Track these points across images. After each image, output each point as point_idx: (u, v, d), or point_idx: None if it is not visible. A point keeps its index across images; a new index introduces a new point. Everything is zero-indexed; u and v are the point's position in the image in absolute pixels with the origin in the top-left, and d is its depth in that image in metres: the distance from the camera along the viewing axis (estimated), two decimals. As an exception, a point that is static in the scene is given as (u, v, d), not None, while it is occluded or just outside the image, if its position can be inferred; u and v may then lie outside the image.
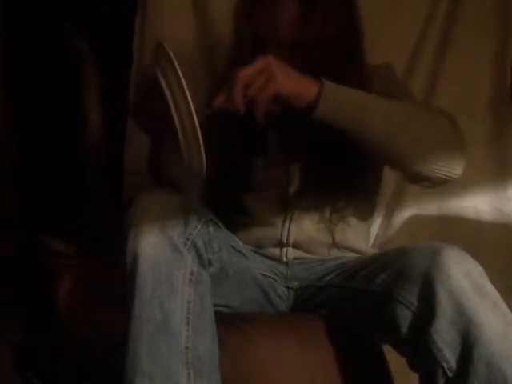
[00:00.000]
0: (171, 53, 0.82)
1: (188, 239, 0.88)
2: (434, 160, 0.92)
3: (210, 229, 0.93)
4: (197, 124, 0.82)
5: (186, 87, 0.81)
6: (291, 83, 0.88)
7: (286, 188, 1.10)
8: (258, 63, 0.87)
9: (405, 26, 1.48)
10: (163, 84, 0.83)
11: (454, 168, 0.94)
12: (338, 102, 0.89)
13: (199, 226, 0.90)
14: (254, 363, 0.97)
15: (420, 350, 0.83)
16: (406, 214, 1.50)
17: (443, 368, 0.81)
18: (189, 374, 0.83)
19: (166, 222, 0.87)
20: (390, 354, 1.01)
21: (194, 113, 0.81)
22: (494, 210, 1.45)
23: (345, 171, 1.07)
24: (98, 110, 1.46)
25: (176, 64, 0.82)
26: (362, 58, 1.13)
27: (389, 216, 1.50)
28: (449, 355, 0.80)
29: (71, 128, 1.49)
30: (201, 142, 0.82)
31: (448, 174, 0.94)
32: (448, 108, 1.42)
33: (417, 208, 1.49)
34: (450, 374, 0.80)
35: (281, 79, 0.87)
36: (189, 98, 0.81)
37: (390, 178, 1.35)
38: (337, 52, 1.06)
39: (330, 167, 1.06)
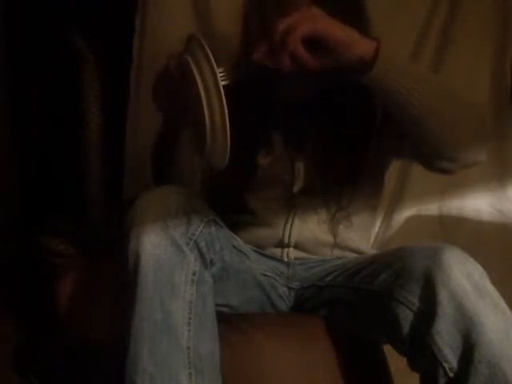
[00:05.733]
0: (205, 44, 0.82)
1: (190, 239, 0.88)
2: (469, 140, 0.89)
3: (212, 229, 0.92)
4: (227, 118, 0.81)
5: (217, 72, 0.81)
6: (338, 30, 0.83)
7: (291, 186, 1.09)
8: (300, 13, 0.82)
9: (405, 26, 1.48)
10: (195, 71, 0.82)
11: (482, 152, 0.92)
12: (396, 62, 0.85)
13: (201, 226, 0.90)
14: (254, 363, 0.97)
15: (421, 351, 0.83)
16: (405, 213, 1.50)
17: (444, 368, 0.81)
18: (190, 373, 0.83)
19: (168, 222, 0.87)
20: (390, 354, 1.01)
21: (224, 102, 0.80)
22: (493, 210, 1.45)
23: (350, 168, 1.06)
24: (97, 109, 1.46)
25: (210, 55, 0.81)
26: None
27: (389, 216, 1.51)
28: (450, 355, 0.80)
29: (71, 128, 1.49)
30: (228, 132, 0.82)
31: (474, 158, 0.92)
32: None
33: (417, 208, 1.50)
34: (450, 375, 0.80)
35: (324, 22, 0.82)
36: (220, 83, 0.80)
37: (390, 177, 1.35)
38: None
39: (336, 164, 1.06)
